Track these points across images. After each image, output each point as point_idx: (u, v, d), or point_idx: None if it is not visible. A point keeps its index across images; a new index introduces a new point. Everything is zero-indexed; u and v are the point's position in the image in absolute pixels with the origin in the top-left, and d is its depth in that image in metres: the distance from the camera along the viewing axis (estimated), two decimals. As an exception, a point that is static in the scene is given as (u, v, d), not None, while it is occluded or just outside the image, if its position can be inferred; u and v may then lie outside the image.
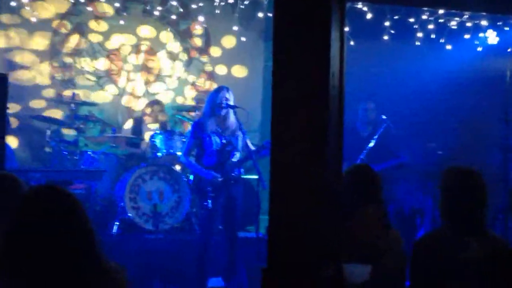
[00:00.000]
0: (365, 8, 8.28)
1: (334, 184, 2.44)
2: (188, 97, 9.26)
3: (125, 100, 9.01)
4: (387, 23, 8.45)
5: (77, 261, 2.24)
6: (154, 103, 8.53)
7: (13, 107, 8.02)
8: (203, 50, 9.37)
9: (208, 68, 9.37)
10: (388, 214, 3.77)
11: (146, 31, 9.11)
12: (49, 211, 2.27)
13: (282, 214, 2.38)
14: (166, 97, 9.11)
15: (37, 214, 2.25)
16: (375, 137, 7.35)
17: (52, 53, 8.71)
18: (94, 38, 8.88)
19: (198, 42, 9.35)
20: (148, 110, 8.45)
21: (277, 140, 2.41)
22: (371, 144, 7.32)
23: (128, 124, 8.46)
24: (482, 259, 3.19)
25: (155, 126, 8.19)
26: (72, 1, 8.68)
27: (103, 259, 2.33)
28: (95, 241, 2.31)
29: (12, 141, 7.98)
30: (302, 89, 2.33)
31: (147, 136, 7.97)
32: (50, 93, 8.68)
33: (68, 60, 8.77)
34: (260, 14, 8.58)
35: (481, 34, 8.83)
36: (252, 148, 6.13)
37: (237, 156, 6.22)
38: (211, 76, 9.39)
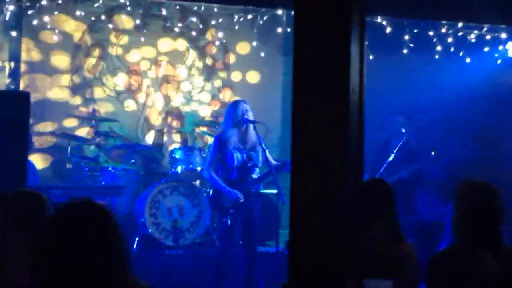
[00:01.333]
0: (384, 22, 8.30)
1: (355, 199, 2.43)
2: (208, 111, 9.29)
3: (145, 115, 9.05)
4: (406, 37, 8.45)
5: (110, 277, 2.23)
6: (174, 117, 8.57)
7: (34, 124, 8.10)
8: (222, 65, 9.41)
9: (227, 82, 9.40)
10: (401, 227, 3.73)
11: (165, 46, 9.16)
12: (88, 225, 2.24)
13: (303, 228, 2.37)
14: (186, 112, 9.14)
15: (74, 229, 2.22)
16: (395, 150, 7.32)
17: (73, 70, 8.78)
18: (114, 54, 8.94)
19: (217, 57, 9.39)
20: (168, 125, 8.49)
21: (297, 157, 2.40)
22: (391, 158, 7.29)
23: (149, 140, 8.49)
24: (498, 274, 3.15)
25: (175, 141, 8.22)
26: (93, 18, 8.75)
27: (131, 274, 2.33)
28: (127, 255, 2.31)
29: (34, 158, 8.04)
30: (322, 104, 2.33)
31: (167, 151, 8.00)
32: (70, 109, 8.74)
33: (89, 76, 8.83)
34: (279, 29, 8.61)
35: (500, 47, 8.79)
36: (273, 162, 6.10)
37: (257, 172, 6.18)
38: (231, 90, 9.41)
